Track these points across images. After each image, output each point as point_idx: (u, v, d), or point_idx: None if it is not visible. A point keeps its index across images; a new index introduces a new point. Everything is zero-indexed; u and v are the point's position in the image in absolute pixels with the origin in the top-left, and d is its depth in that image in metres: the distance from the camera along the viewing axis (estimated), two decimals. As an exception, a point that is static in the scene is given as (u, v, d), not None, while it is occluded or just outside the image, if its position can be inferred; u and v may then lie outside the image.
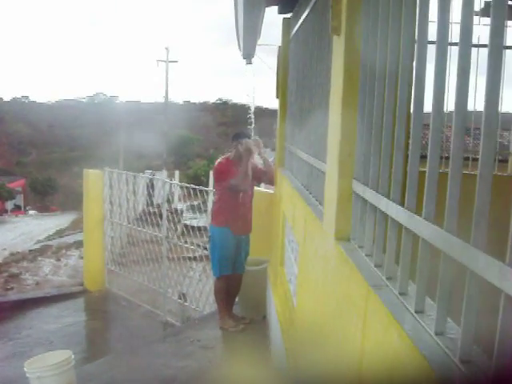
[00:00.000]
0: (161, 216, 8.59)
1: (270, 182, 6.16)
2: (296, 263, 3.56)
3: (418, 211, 1.36)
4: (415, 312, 1.32)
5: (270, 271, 5.62)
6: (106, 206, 9.78)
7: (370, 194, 1.80)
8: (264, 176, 6.17)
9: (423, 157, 1.40)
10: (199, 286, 7.95)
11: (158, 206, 9.15)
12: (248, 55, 5.41)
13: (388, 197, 1.58)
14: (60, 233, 23.13)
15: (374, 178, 1.82)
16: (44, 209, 45.80)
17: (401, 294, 1.44)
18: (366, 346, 1.55)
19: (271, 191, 6.62)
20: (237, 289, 6.24)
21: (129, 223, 9.75)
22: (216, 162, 6.01)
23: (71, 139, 74.82)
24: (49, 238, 21.24)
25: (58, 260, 13.58)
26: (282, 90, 5.27)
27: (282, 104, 5.30)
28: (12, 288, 10.60)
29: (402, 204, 1.47)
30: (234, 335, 5.96)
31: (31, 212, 43.98)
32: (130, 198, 9.87)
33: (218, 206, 5.95)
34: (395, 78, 1.64)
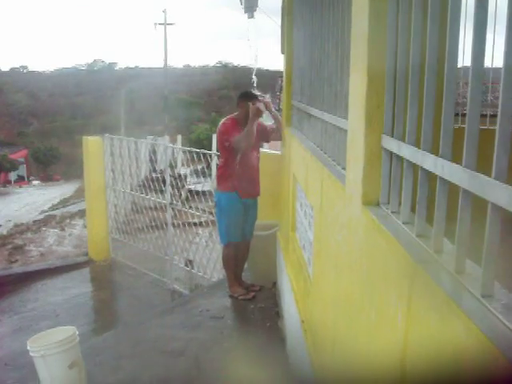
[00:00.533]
0: (164, 182, 8.32)
1: (280, 137, 5.87)
2: (311, 229, 3.29)
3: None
4: (482, 297, 1.05)
5: (281, 236, 5.36)
6: (108, 174, 9.50)
7: (408, 151, 1.51)
8: (274, 133, 5.86)
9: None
10: (206, 253, 7.72)
11: (161, 171, 8.88)
12: (250, 8, 5.05)
13: (436, 153, 1.29)
14: (64, 202, 22.93)
15: (412, 132, 1.52)
16: (47, 178, 45.64)
17: (458, 272, 1.16)
18: (411, 334, 1.28)
19: (278, 152, 6.30)
20: (245, 255, 6.01)
21: (131, 190, 9.48)
22: (220, 123, 5.70)
23: (72, 107, 74.45)
24: (53, 207, 21.04)
25: (63, 230, 13.45)
26: (287, 44, 4.92)
27: (288, 59, 4.95)
28: (16, 260, 10.44)
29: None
30: (245, 303, 5.75)
31: (35, 182, 43.87)
32: (132, 164, 9.59)
33: (223, 170, 5.66)
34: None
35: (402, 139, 1.60)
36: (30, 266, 9.69)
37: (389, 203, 1.72)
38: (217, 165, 6.02)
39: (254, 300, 5.80)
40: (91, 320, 7.28)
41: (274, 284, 6.03)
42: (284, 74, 5.15)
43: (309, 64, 3.73)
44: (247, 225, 5.81)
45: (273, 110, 5.84)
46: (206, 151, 7.55)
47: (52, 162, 49.98)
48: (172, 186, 8.20)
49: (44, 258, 10.54)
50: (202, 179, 12.47)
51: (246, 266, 6.19)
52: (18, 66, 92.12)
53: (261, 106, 5.36)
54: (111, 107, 52.18)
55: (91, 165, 9.49)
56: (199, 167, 12.78)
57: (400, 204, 1.62)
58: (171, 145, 23.56)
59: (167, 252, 8.31)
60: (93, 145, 9.45)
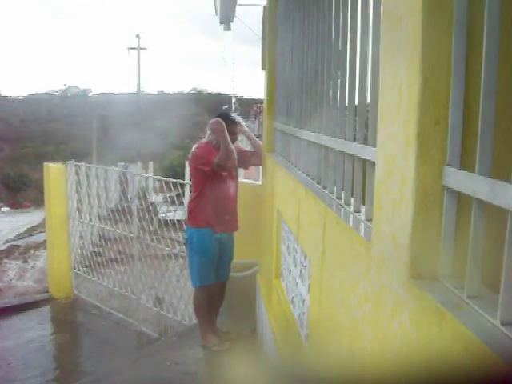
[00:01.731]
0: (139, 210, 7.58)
1: (261, 162, 5.23)
2: (304, 284, 2.62)
3: None
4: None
5: (261, 280, 4.65)
6: (71, 204, 8.73)
7: (491, 192, 0.85)
8: (253, 157, 5.21)
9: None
10: (176, 292, 6.97)
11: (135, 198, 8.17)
12: (225, 18, 4.41)
13: None
14: (30, 231, 22.00)
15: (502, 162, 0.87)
16: (17, 205, 44.38)
17: None
18: None
19: (257, 182, 5.62)
20: (220, 299, 5.28)
21: (99, 220, 8.71)
22: (193, 148, 5.02)
23: (44, 133, 73.55)
24: (18, 236, 20.10)
25: (25, 262, 12.68)
26: (269, 58, 4.28)
27: (271, 75, 4.30)
28: (-29, 297, 9.57)
29: None
30: (219, 355, 5.01)
31: (4, 209, 42.58)
32: (101, 193, 8.84)
33: (196, 201, 4.96)
34: None
35: (480, 172, 0.95)
36: (-19, 305, 8.80)
37: (455, 277, 1.05)
38: (189, 197, 5.29)
39: (230, 351, 5.07)
40: (47, 369, 6.46)
41: (253, 330, 5.32)
42: (265, 93, 4.50)
43: (298, 78, 3.09)
44: (222, 264, 5.10)
45: (246, 130, 5.22)
46: (177, 180, 6.87)
47: (22, 188, 48.75)
48: (141, 217, 7.46)
49: (2, 295, 9.71)
50: (175, 207, 11.68)
51: (220, 309, 5.46)
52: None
53: (217, 122, 4.80)
54: (84, 133, 51.42)
55: (52, 194, 8.73)
56: (173, 194, 12.08)
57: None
58: (140, 172, 22.84)
59: (134, 290, 7.55)
60: (54, 172, 8.70)
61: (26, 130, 75.24)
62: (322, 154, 2.38)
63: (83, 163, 8.92)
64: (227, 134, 4.75)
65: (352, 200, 1.90)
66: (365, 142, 1.74)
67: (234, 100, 5.16)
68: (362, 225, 1.69)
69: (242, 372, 4.56)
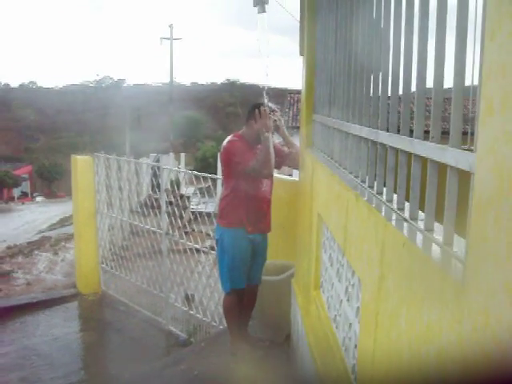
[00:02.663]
0: (170, 203, 7.24)
1: (296, 165, 4.81)
2: (352, 308, 2.22)
3: None
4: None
5: (297, 289, 4.24)
6: (99, 197, 8.45)
7: None
8: (287, 159, 4.80)
9: None
10: (206, 292, 6.61)
11: (166, 191, 7.83)
12: (260, 0, 3.99)
13: None
14: (63, 222, 22.03)
15: None
16: (51, 195, 44.79)
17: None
18: None
19: (291, 178, 5.20)
20: (252, 304, 4.91)
21: (130, 213, 8.38)
22: (225, 142, 4.63)
23: (79, 124, 74.37)
24: (51, 227, 20.11)
25: (56, 254, 12.49)
26: (308, 42, 3.85)
27: (309, 62, 3.87)
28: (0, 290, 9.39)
29: None
30: (250, 365, 4.64)
31: (38, 199, 43.14)
32: (128, 186, 8.53)
33: (228, 199, 4.57)
34: None
35: None
36: (9, 299, 8.60)
37: None
38: (221, 194, 4.88)
39: (263, 360, 4.70)
40: (71, 371, 6.17)
41: (287, 337, 4.94)
42: (303, 81, 4.06)
43: (344, 63, 2.66)
44: (255, 267, 4.73)
45: (283, 127, 4.80)
46: (207, 174, 6.49)
47: (56, 178, 49.18)
48: (170, 211, 7.11)
49: (30, 288, 9.51)
50: (207, 199, 11.32)
51: (252, 315, 5.09)
52: (27, 82, 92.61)
53: (271, 120, 4.38)
54: (118, 124, 51.66)
55: (80, 186, 8.44)
56: (205, 186, 11.72)
57: None
58: (173, 164, 22.57)
59: (162, 288, 7.23)
60: (82, 164, 8.41)
61: (62, 121, 76.23)
62: (376, 152, 1.98)
63: (113, 155, 8.59)
64: (271, 138, 4.36)
65: (422, 215, 1.49)
66: (439, 140, 1.35)
67: (265, 91, 4.69)
68: (442, 254, 1.29)
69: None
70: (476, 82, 1.11)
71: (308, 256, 3.44)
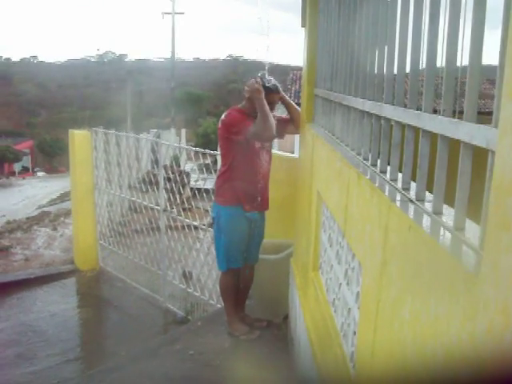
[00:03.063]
0: (168, 179, 7.10)
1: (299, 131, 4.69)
2: (352, 292, 2.10)
3: None
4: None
5: (296, 269, 4.12)
6: (97, 173, 8.32)
7: None
8: (289, 125, 4.65)
9: None
10: (204, 270, 6.51)
11: (165, 167, 7.68)
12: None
13: None
14: (63, 197, 21.94)
15: None
16: (52, 170, 44.70)
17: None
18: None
19: (292, 155, 5.05)
20: (249, 283, 4.82)
21: (127, 191, 8.25)
22: (223, 115, 4.47)
23: (81, 99, 74.15)
24: (51, 202, 20.03)
25: (55, 229, 12.39)
26: (310, 14, 3.68)
27: (311, 34, 3.70)
28: (-2, 265, 9.32)
29: None
30: (247, 345, 4.56)
31: (40, 174, 43.11)
32: (126, 162, 8.38)
33: (225, 176, 4.43)
34: None
35: None
36: (6, 275, 8.52)
37: None
38: (218, 171, 4.74)
39: (260, 340, 4.61)
40: (68, 348, 6.09)
41: (285, 318, 4.85)
42: (305, 54, 3.89)
43: (348, 34, 2.50)
44: (252, 246, 4.61)
45: (286, 96, 4.66)
46: (205, 150, 6.33)
47: (57, 153, 49.03)
48: (168, 188, 6.97)
49: (28, 264, 9.43)
50: (206, 175, 11.14)
51: (249, 294, 4.99)
52: (28, 57, 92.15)
53: (255, 83, 4.26)
54: (120, 99, 51.42)
55: (78, 162, 8.30)
56: (206, 162, 11.55)
57: None
58: (174, 139, 22.36)
59: (160, 266, 7.13)
60: (80, 139, 8.26)
61: (63, 96, 76.01)
62: (380, 127, 1.84)
63: (112, 130, 8.42)
64: (265, 101, 4.21)
65: (430, 196, 1.36)
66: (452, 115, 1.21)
67: (267, 67, 4.51)
68: (453, 240, 1.16)
69: (270, 368, 4.10)
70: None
71: (307, 235, 3.32)
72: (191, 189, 8.90)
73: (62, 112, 71.03)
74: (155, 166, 7.31)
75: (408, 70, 1.62)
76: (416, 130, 1.48)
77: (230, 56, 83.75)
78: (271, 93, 4.31)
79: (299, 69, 29.51)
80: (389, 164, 1.74)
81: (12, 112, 75.48)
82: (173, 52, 29.38)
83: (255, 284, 4.82)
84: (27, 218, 14.03)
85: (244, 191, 4.37)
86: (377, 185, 1.69)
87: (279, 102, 4.54)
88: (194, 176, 12.12)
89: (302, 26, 3.98)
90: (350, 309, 2.13)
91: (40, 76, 79.20)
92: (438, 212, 1.29)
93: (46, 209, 16.60)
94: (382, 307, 1.52)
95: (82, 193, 8.43)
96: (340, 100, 2.56)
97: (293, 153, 8.39)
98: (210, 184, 7.46)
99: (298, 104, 4.63)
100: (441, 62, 1.33)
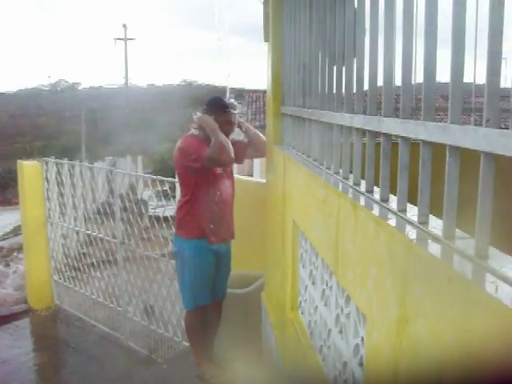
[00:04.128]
0: (125, 209, 6.67)
1: (261, 152, 4.36)
2: (348, 344, 1.75)
3: None
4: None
5: (268, 304, 3.76)
6: (49, 205, 7.83)
7: None
8: (248, 148, 4.31)
9: None
10: (167, 305, 6.09)
11: (121, 196, 7.24)
12: None
13: None
14: (17, 230, 21.16)
15: None
16: (6, 202, 43.40)
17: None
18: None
19: (254, 179, 4.70)
20: (217, 321, 4.42)
21: (82, 223, 7.78)
22: (178, 143, 4.11)
23: (34, 128, 72.97)
24: (4, 236, 19.28)
25: (7, 266, 11.81)
26: (274, 27, 3.37)
27: (276, 48, 3.40)
28: None
29: None
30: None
31: (-8, 206, 41.78)
32: (80, 193, 7.93)
33: (187, 207, 4.04)
34: None
35: None
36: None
37: None
38: (178, 203, 4.35)
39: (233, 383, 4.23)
40: (20, 402, 5.59)
41: (259, 356, 4.48)
42: (269, 70, 3.57)
43: (324, 43, 2.19)
44: (219, 280, 4.22)
45: (241, 119, 4.33)
46: (163, 178, 5.98)
47: (11, 184, 47.65)
48: (124, 218, 6.56)
49: (-23, 305, 8.81)
50: (165, 202, 10.72)
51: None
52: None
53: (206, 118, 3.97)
54: (74, 128, 50.68)
55: (28, 194, 7.80)
56: (164, 188, 11.17)
57: None
58: (130, 167, 21.86)
59: (120, 302, 6.67)
60: (29, 171, 7.77)
61: (15, 126, 74.57)
62: (376, 146, 1.52)
63: (65, 160, 7.97)
64: (216, 125, 3.90)
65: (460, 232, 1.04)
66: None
67: (228, 91, 4.15)
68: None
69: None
70: None
71: (282, 270, 2.97)
72: (150, 217, 8.50)
73: (15, 142, 69.63)
74: (110, 196, 6.89)
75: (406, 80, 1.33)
76: (438, 147, 1.16)
77: (184, 81, 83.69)
78: (225, 114, 4.00)
79: (254, 91, 29.43)
80: (393, 191, 1.43)
81: (-38, 144, 73.73)
82: (126, 78, 29.01)
83: (224, 321, 4.44)
84: (-22, 254, 13.39)
85: (208, 222, 4.00)
86: (380, 217, 1.36)
87: (236, 126, 4.20)
88: (152, 204, 11.71)
89: (265, 41, 3.68)
90: (346, 362, 1.79)
91: (-10, 107, 77.64)
92: (482, 255, 0.97)
93: (-2, 243, 15.90)
94: (403, 374, 1.17)
95: (33, 227, 7.92)
96: (317, 117, 2.24)
97: (251, 176, 8.06)
98: (168, 211, 7.08)
99: (259, 126, 4.32)
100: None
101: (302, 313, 2.60)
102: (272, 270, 3.60)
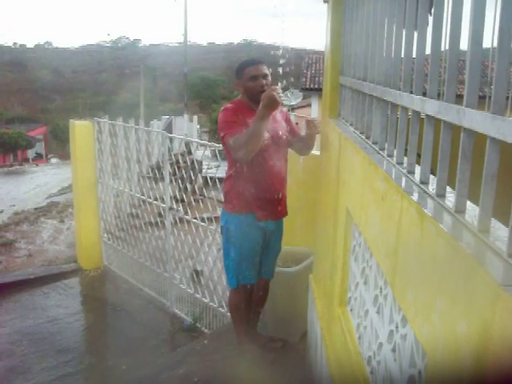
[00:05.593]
0: (179, 169, 6.48)
1: (301, 154, 4.08)
2: (403, 371, 1.47)
3: None
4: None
5: (316, 289, 3.50)
6: (100, 166, 7.76)
7: None
8: (296, 142, 3.97)
9: None
10: (213, 275, 5.92)
11: (176, 155, 7.02)
12: None
13: None
14: (73, 185, 21.56)
15: None
16: (66, 157, 44.46)
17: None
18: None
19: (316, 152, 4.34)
20: (262, 300, 4.20)
21: (131, 185, 7.67)
22: (221, 110, 3.78)
23: (95, 84, 74.32)
24: (61, 191, 19.68)
25: (62, 222, 12.02)
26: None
27: (336, 10, 3.05)
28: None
29: None
30: (260, 371, 3.97)
31: (53, 160, 42.96)
32: (127, 154, 7.81)
33: (232, 181, 3.77)
34: None
35: None
36: (5, 276, 8.03)
37: None
38: (225, 173, 4.03)
39: (275, 365, 4.03)
40: (65, 360, 5.57)
41: (303, 337, 4.27)
42: (327, 35, 3.22)
43: (394, 5, 1.85)
44: (267, 259, 3.98)
45: (316, 125, 3.91)
46: (205, 142, 5.76)
47: (71, 139, 48.72)
48: (177, 180, 6.38)
49: (30, 261, 8.97)
50: (220, 162, 10.45)
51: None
52: (42, 43, 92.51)
53: (275, 93, 3.28)
54: (133, 84, 51.15)
55: (79, 155, 7.75)
56: (220, 148, 10.88)
57: None
58: (187, 126, 21.76)
59: (167, 268, 6.57)
60: (81, 130, 7.70)
61: (77, 81, 76.11)
62: (454, 139, 1.22)
63: (122, 117, 7.82)
64: (266, 113, 3.45)
65: None
66: None
67: (281, 51, 3.78)
68: None
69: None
70: None
71: (331, 258, 2.69)
72: (204, 178, 8.33)
73: (77, 98, 71.12)
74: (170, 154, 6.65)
75: None
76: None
77: (244, 40, 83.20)
78: (250, 67, 3.66)
79: (315, 52, 28.70)
80: (472, 199, 1.13)
81: (27, 98, 75.76)
82: (185, 36, 28.66)
83: (269, 299, 4.23)
84: (35, 209, 13.71)
85: (255, 197, 3.71)
86: (455, 237, 1.07)
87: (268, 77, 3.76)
88: (206, 164, 11.53)
89: (325, 1, 3.34)
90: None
91: (54, 62, 79.37)
92: None
93: (55, 198, 16.27)
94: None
95: (83, 187, 7.90)
96: (380, 94, 1.92)
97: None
98: (222, 172, 6.82)
99: (315, 89, 3.96)
100: None
101: (351, 310, 2.33)
102: (321, 255, 3.32)
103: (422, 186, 1.43)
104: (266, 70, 3.66)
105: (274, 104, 3.25)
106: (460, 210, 1.19)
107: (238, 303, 3.96)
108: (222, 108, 3.73)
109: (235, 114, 3.60)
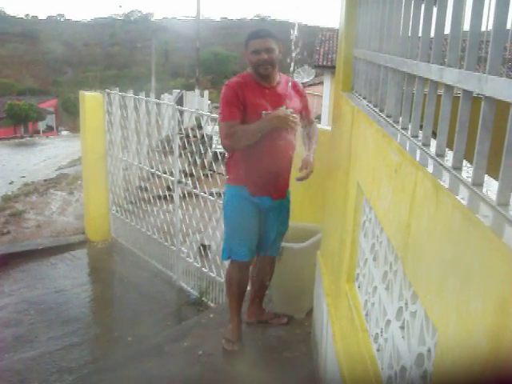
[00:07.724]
0: (188, 143, 6.44)
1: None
2: (411, 349, 1.43)
3: None
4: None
5: (324, 265, 3.46)
6: (109, 138, 7.72)
7: None
8: (306, 126, 3.90)
9: None
10: (221, 246, 5.89)
11: (186, 130, 6.97)
12: None
13: None
14: (83, 157, 21.55)
15: None
16: (76, 129, 44.46)
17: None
18: None
19: (323, 127, 4.29)
20: (267, 276, 4.13)
21: (140, 158, 7.62)
22: (225, 83, 3.68)
23: (107, 58, 74.10)
24: (71, 163, 19.72)
25: (71, 193, 12.02)
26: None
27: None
28: (8, 232, 8.90)
29: None
30: (264, 347, 3.96)
31: (64, 132, 42.97)
32: (150, 125, 7.74)
33: (231, 152, 3.73)
34: None
35: None
36: (13, 245, 8.06)
37: None
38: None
39: (279, 342, 4.02)
40: (71, 330, 5.59)
41: (309, 314, 4.25)
42: (343, 6, 3.12)
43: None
44: (268, 237, 3.89)
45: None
46: (212, 115, 5.70)
47: (82, 112, 48.67)
48: (186, 154, 6.32)
49: (39, 232, 8.98)
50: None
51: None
52: (54, 15, 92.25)
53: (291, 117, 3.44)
54: (145, 58, 50.96)
55: (88, 127, 7.72)
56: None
57: None
58: (198, 100, 21.64)
59: (174, 241, 6.57)
60: (90, 102, 7.65)
61: (89, 54, 75.93)
62: (475, 109, 1.15)
63: (133, 90, 7.75)
64: (267, 123, 3.45)
65: None
66: None
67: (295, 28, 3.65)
68: None
69: (290, 379, 3.52)
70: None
71: (340, 234, 2.65)
72: (213, 153, 8.31)
73: (88, 71, 70.96)
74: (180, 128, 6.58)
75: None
76: None
77: (257, 16, 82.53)
78: (252, 40, 3.56)
79: (328, 30, 28.35)
80: (490, 171, 1.07)
81: (38, 70, 75.67)
82: (198, 11, 28.40)
83: (276, 274, 4.20)
84: (45, 180, 13.74)
85: (248, 170, 3.62)
86: (473, 209, 1.02)
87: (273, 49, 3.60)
88: (215, 139, 11.47)
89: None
90: (404, 368, 1.48)
91: (66, 34, 79.13)
92: None
93: (65, 170, 16.28)
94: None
95: (92, 160, 7.88)
96: (396, 65, 1.85)
97: (319, 120, 7.64)
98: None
99: (328, 66, 3.88)
100: None
101: (358, 286, 2.30)
102: (330, 230, 3.27)
103: (438, 159, 1.37)
104: (272, 44, 3.53)
105: (284, 125, 3.46)
106: (478, 182, 1.13)
107: (232, 279, 3.87)
108: (226, 82, 3.65)
109: (236, 93, 3.51)
